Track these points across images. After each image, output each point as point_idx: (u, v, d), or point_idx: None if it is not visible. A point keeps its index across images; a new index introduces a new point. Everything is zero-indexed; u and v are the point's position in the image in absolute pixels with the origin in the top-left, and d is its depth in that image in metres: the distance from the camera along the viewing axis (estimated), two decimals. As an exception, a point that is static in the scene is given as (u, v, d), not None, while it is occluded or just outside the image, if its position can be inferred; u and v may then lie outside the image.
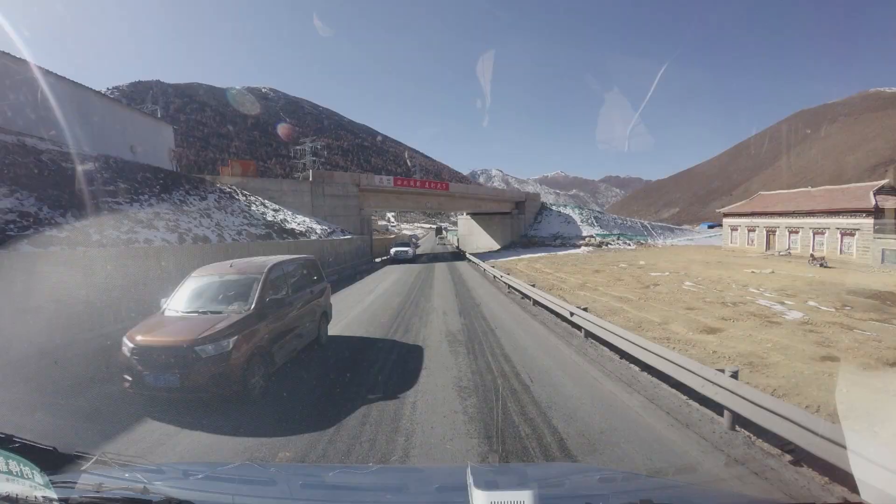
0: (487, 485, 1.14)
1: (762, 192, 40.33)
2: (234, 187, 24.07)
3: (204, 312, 5.13)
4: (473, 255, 29.96)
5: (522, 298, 12.22)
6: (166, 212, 14.79)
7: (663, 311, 10.58)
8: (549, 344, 7.34)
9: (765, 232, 33.64)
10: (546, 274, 19.83)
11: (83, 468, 1.47)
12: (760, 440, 3.63)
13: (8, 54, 14.66)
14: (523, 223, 47.40)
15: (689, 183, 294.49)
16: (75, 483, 1.31)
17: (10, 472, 1.18)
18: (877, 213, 24.66)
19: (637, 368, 5.73)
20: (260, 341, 5.06)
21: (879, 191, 26.38)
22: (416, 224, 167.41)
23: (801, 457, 3.18)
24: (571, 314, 8.17)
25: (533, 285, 11.73)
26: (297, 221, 24.57)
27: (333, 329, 7.95)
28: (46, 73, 15.64)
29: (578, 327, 7.89)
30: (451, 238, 69.64)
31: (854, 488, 2.78)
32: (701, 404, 4.39)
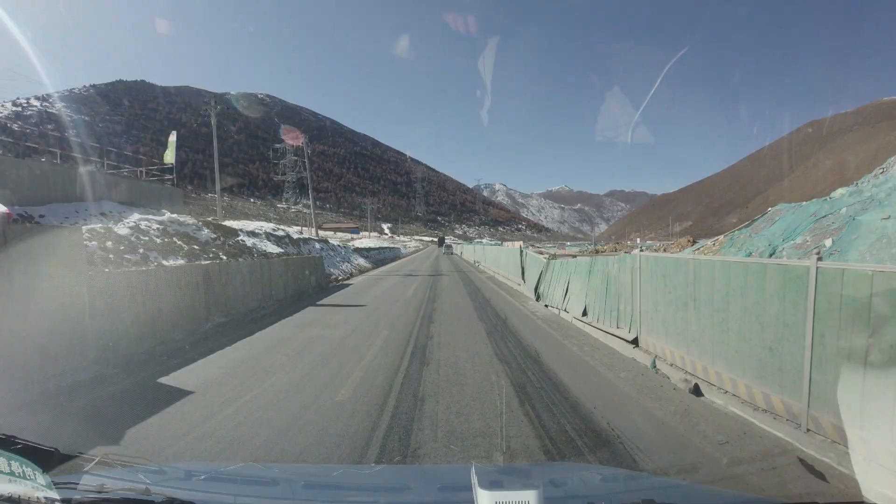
0: (492, 484, 1.17)
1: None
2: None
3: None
4: None
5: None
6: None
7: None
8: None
9: None
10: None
11: (85, 469, 1.52)
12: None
13: None
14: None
15: (700, 195, 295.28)
16: (77, 484, 1.34)
17: (12, 473, 1.21)
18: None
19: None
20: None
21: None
22: (413, 236, 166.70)
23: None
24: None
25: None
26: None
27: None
28: None
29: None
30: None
31: (855, 487, 2.80)
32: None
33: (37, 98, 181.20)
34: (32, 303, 5.31)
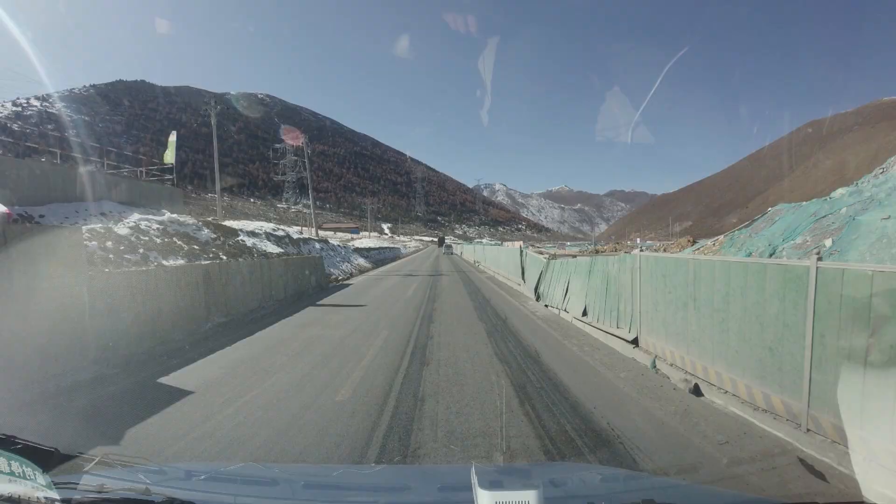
0: (492, 484, 1.18)
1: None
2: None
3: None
4: None
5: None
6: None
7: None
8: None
9: None
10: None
11: (85, 469, 1.53)
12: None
13: None
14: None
15: (700, 195, 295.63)
16: (77, 484, 1.34)
17: (12, 473, 1.22)
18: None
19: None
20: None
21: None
22: (413, 236, 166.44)
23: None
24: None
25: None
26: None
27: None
28: None
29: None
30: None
31: (855, 487, 2.81)
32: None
33: (37, 98, 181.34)
34: (32, 303, 5.31)
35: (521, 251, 17.04)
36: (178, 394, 5.07)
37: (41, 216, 13.31)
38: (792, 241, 8.52)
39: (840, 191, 10.12)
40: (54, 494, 1.22)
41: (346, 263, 25.96)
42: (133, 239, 11.46)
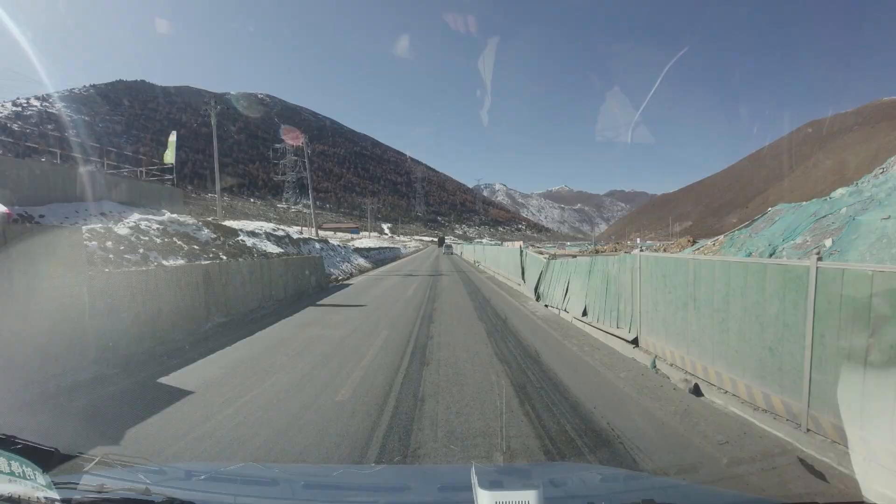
0: (492, 484, 1.18)
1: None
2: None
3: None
4: None
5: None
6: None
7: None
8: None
9: None
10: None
11: (85, 469, 1.53)
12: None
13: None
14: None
15: (700, 195, 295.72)
16: (77, 484, 1.35)
17: (12, 473, 1.22)
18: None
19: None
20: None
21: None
22: (414, 236, 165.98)
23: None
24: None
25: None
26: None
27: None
28: None
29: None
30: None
31: (855, 487, 2.81)
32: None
33: (37, 98, 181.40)
34: (32, 303, 5.31)
35: (521, 251, 16.94)
36: (179, 394, 5.07)
37: (41, 216, 13.31)
38: (792, 241, 8.52)
39: (840, 191, 10.13)
40: (54, 494, 1.22)
41: (346, 263, 25.92)
42: (133, 239, 11.47)
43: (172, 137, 23.81)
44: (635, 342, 6.72)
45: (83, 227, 9.35)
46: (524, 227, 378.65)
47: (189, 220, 15.96)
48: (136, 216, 14.04)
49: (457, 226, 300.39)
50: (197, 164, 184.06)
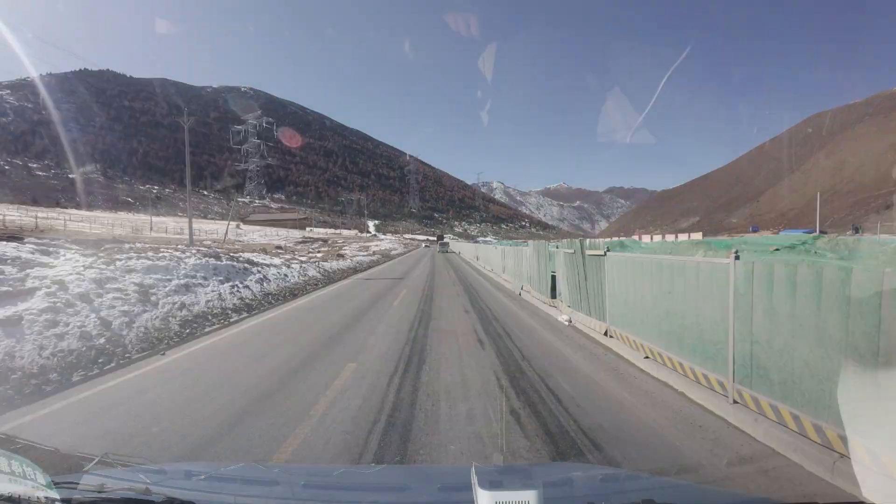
0: (492, 485, 1.21)
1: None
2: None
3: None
4: None
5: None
6: None
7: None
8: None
9: None
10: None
11: (85, 469, 1.58)
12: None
13: None
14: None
15: (706, 190, 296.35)
16: (77, 483, 1.40)
17: (12, 473, 1.27)
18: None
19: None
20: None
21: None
22: (404, 235, 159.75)
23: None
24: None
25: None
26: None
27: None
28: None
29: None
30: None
31: (855, 488, 2.91)
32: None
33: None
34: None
35: (549, 255, 11.78)
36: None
37: None
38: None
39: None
40: (54, 494, 1.26)
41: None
42: None
43: None
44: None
45: None
46: (528, 225, 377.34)
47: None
48: None
49: (456, 223, 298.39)
50: (150, 153, 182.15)
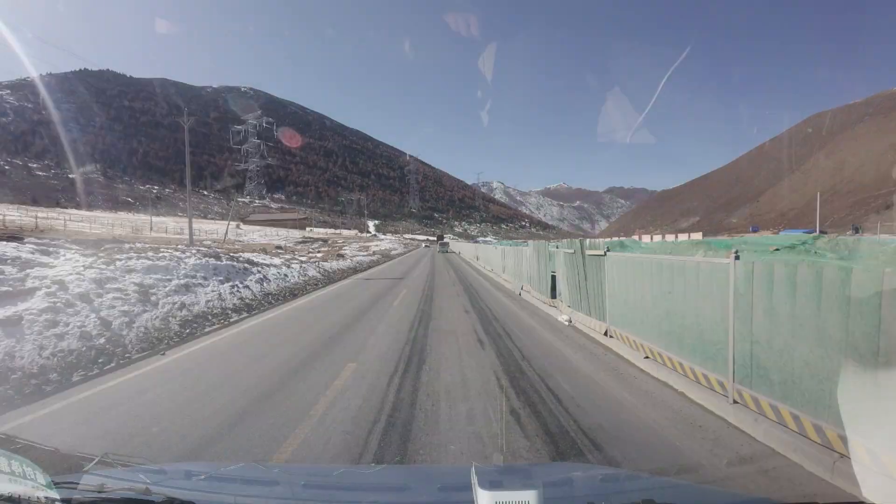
0: (492, 485, 1.21)
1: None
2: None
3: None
4: None
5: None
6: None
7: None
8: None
9: None
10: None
11: (85, 469, 1.59)
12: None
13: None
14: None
15: (706, 190, 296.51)
16: (77, 483, 1.40)
17: (12, 473, 1.27)
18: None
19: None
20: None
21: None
22: (404, 235, 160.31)
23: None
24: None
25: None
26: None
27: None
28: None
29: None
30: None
31: (855, 488, 2.91)
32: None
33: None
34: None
35: (549, 255, 11.79)
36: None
37: None
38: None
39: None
40: (54, 494, 1.26)
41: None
42: None
43: None
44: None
45: None
46: (528, 225, 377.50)
47: None
48: None
49: (456, 223, 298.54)
50: (150, 153, 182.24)
